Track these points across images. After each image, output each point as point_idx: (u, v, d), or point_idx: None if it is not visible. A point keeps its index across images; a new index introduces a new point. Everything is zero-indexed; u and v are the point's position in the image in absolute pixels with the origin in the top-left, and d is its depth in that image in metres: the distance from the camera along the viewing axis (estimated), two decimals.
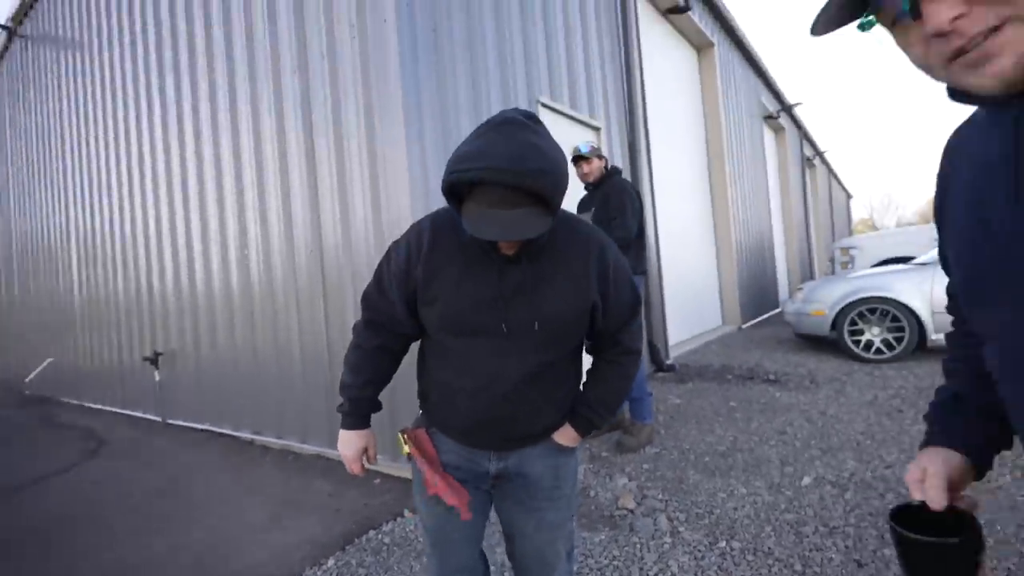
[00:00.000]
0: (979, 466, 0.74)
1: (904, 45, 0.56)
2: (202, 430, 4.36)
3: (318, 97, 3.17)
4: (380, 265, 1.20)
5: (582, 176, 3.26)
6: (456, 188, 1.01)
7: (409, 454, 1.22)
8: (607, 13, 5.06)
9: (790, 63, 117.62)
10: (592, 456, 3.17)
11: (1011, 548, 2.01)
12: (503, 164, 0.93)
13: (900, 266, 5.84)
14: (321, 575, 2.16)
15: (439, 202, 2.89)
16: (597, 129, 4.66)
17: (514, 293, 1.09)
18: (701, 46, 8.02)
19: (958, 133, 0.66)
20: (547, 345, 1.12)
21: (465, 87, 3.18)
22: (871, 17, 0.56)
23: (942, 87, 0.57)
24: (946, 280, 0.75)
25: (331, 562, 2.24)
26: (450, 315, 1.11)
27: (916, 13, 0.51)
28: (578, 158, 3.22)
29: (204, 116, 4.04)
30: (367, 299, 1.22)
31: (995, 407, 0.68)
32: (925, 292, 5.01)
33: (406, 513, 2.60)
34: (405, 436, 1.24)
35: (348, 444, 1.27)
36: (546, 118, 3.88)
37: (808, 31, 0.61)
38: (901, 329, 5.06)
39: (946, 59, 0.52)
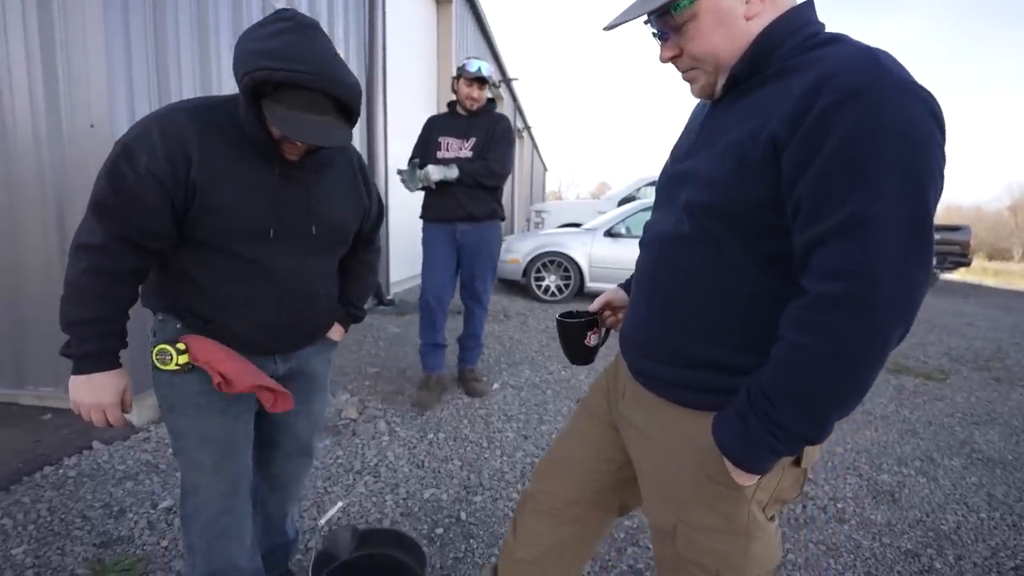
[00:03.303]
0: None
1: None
2: None
3: None
4: (117, 167, 0.98)
5: (469, 99, 2.89)
6: (259, 87, 0.95)
7: (188, 363, 1.07)
8: None
9: (510, 40, 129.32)
10: None
11: None
12: (326, 71, 0.94)
13: (573, 229, 7.39)
14: None
15: (144, 98, 2.50)
16: None
17: (309, 198, 1.12)
18: None
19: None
20: (339, 246, 1.24)
21: None
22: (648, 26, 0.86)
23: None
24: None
25: None
26: (244, 222, 1.04)
27: (662, 39, 0.86)
28: (477, 79, 2.86)
29: None
30: (108, 211, 0.99)
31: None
32: (587, 251, 6.53)
33: (95, 445, 2.31)
34: (177, 346, 1.06)
35: (107, 388, 1.04)
36: None
37: (602, 27, 0.90)
38: (569, 278, 6.51)
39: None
